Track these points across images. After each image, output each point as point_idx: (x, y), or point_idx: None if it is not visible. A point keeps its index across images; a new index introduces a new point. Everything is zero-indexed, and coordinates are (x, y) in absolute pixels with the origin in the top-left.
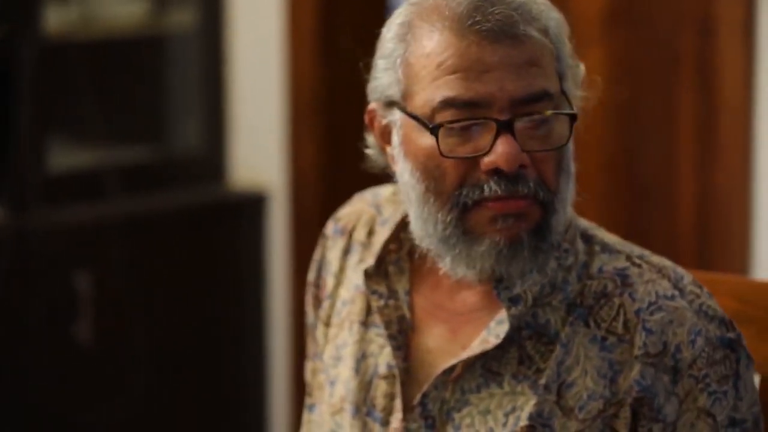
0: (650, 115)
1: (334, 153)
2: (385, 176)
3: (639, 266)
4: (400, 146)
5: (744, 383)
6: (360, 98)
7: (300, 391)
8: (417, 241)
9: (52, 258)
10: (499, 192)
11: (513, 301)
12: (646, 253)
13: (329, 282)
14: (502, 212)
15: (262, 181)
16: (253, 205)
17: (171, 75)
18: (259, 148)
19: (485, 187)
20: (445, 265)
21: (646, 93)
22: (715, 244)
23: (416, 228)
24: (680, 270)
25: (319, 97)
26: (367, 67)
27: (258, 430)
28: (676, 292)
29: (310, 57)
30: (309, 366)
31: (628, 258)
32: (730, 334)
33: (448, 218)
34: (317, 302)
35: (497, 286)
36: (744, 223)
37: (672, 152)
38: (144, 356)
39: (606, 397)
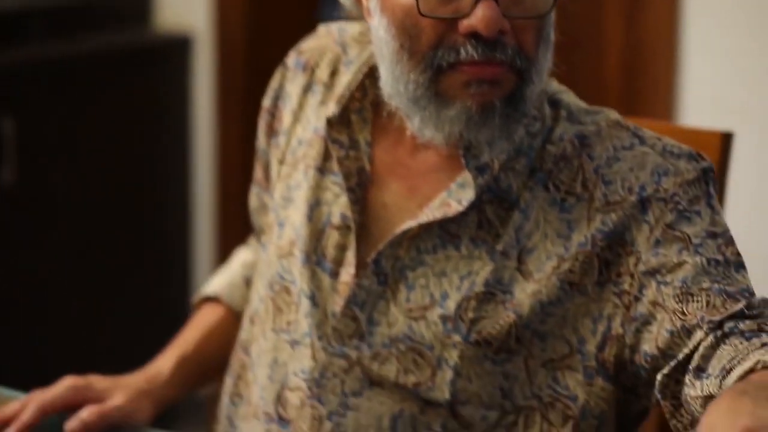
0: None
1: None
2: (309, 23)
3: (597, 124)
4: (378, 0)
5: (717, 203)
6: None
7: (223, 228)
8: (386, 99)
9: None
10: (476, 56)
11: (480, 170)
12: (613, 115)
13: (286, 117)
14: (477, 77)
15: (188, 23)
16: (178, 47)
17: None
18: None
19: (461, 50)
20: (412, 125)
21: None
22: (642, 91)
23: (386, 86)
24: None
25: None
26: None
27: (182, 272)
28: (636, 141)
29: None
30: (254, 191)
31: (591, 124)
32: (703, 163)
33: (421, 79)
34: (270, 130)
35: (465, 155)
36: (670, 69)
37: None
38: (67, 198)
39: (559, 254)
